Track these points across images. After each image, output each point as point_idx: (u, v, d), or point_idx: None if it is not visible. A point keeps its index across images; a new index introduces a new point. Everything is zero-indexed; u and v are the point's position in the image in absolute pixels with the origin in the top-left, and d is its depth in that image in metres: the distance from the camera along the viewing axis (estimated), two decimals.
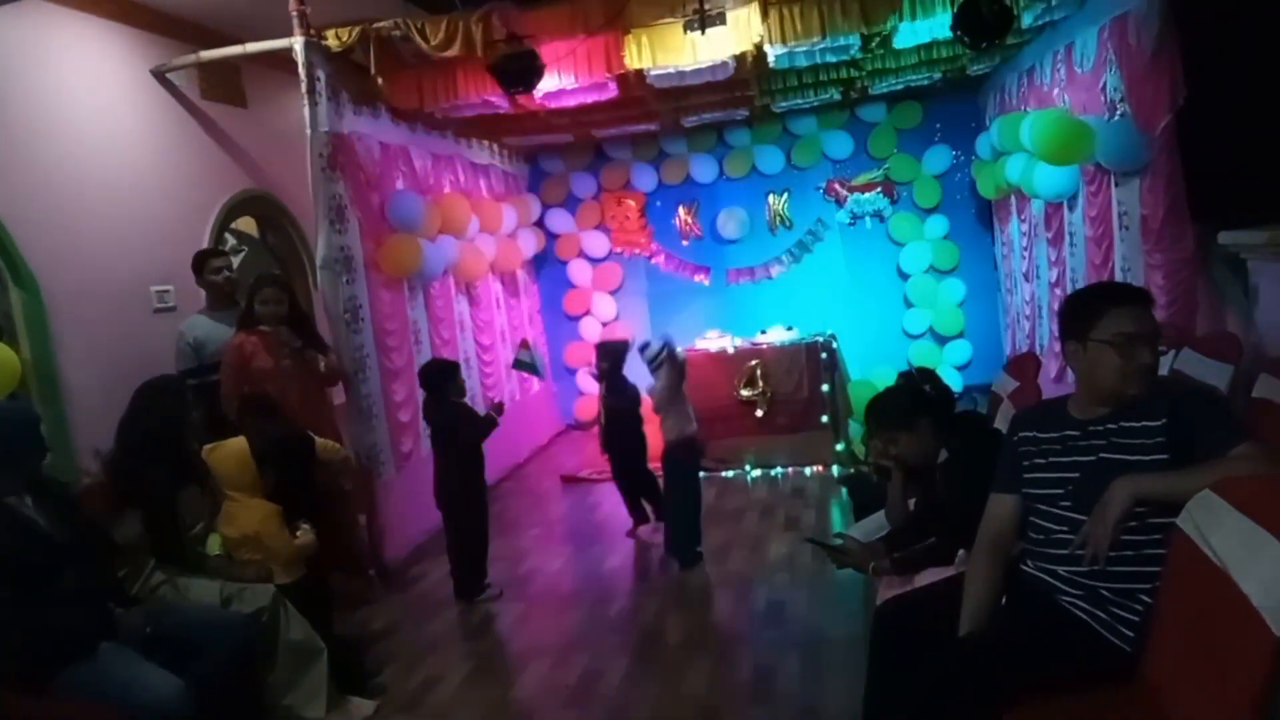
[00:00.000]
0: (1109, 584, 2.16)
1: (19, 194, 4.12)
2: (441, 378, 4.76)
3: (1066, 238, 6.09)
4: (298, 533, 3.70)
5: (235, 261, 6.20)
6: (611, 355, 5.53)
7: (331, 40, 5.10)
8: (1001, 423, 3.58)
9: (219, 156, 5.51)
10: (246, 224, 6.37)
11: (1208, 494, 1.94)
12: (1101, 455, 2.23)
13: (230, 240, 6.19)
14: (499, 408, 4.95)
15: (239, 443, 3.76)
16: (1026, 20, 5.17)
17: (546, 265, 9.21)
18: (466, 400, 4.96)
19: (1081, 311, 2.32)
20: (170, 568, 3.40)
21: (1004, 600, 2.40)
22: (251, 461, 3.71)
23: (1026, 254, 7.09)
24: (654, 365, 5.09)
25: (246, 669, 3.27)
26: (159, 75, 5.12)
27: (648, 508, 5.70)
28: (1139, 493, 2.08)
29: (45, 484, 3.06)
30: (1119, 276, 5.18)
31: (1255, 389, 3.27)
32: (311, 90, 5.05)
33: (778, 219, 8.83)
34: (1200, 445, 2.09)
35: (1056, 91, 5.94)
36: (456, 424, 4.70)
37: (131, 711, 2.68)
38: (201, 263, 4.82)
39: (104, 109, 4.71)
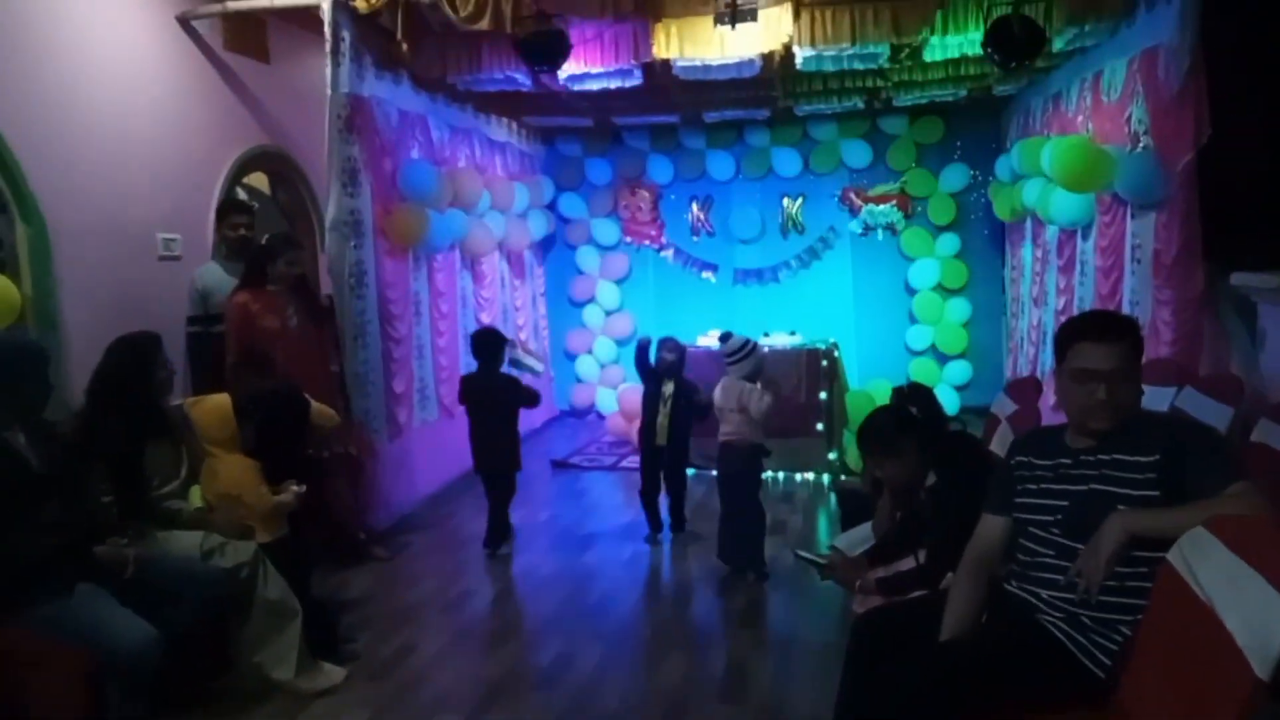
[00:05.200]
0: (1091, 612, 2.15)
1: (32, 130, 4.09)
2: (496, 346, 5.10)
3: (1078, 266, 6.07)
4: (280, 491, 3.68)
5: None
6: (679, 350, 5.25)
7: (360, 2, 5.06)
8: (998, 444, 3.57)
9: (236, 109, 5.48)
10: (258, 180, 6.34)
11: (1199, 530, 1.93)
12: (1092, 486, 2.23)
13: (241, 195, 6.17)
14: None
15: (222, 398, 3.74)
16: (1058, 45, 5.16)
17: (555, 249, 9.19)
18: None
19: (1059, 340, 2.36)
20: (135, 524, 3.30)
21: (985, 617, 2.39)
22: (231, 417, 3.69)
23: (1038, 279, 7.08)
24: (735, 359, 4.81)
25: (219, 623, 3.26)
26: (183, 21, 5.08)
27: (662, 514, 5.37)
28: (1133, 529, 2.07)
29: (39, 421, 3.05)
30: (1126, 310, 5.16)
31: (1254, 433, 3.26)
32: (335, 50, 5.02)
33: (790, 223, 8.81)
34: (1195, 483, 2.08)
35: (1081, 119, 5.92)
36: (506, 393, 5.08)
37: (102, 655, 2.67)
38: (225, 214, 4.87)
39: (124, 50, 4.68)
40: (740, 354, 4.82)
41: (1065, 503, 2.27)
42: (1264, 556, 1.74)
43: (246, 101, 5.55)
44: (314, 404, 4.16)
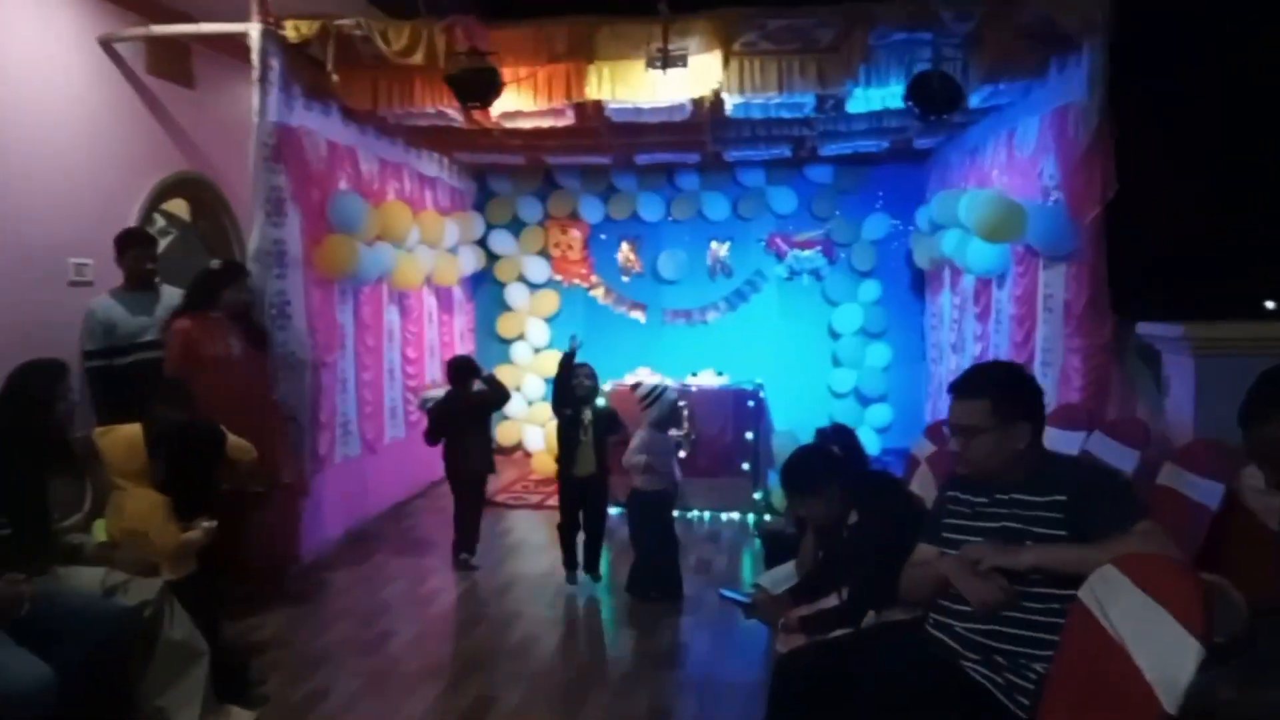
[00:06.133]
0: (1003, 645, 2.21)
1: None
2: (473, 370, 5.66)
3: (993, 314, 6.28)
4: (191, 528, 3.54)
5: (163, 244, 6.02)
6: (595, 377, 5.17)
7: (290, 31, 5.02)
8: (918, 485, 3.64)
9: (158, 134, 5.35)
10: (178, 206, 6.18)
11: (1110, 568, 1.99)
12: (1005, 524, 2.32)
13: (160, 221, 6.00)
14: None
15: (134, 429, 3.60)
16: (974, 101, 5.36)
17: (484, 285, 9.14)
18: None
19: None
20: (34, 560, 3.10)
21: (908, 664, 2.42)
22: (141, 449, 3.55)
23: (956, 326, 7.29)
24: (645, 405, 5.00)
25: (120, 664, 3.11)
26: (105, 44, 4.96)
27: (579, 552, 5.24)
28: (1046, 562, 2.14)
29: None
30: (1039, 357, 5.35)
31: (1160, 476, 3.37)
32: (263, 78, 4.96)
33: (718, 266, 8.93)
34: (1100, 523, 2.17)
35: (996, 172, 6.15)
36: (480, 403, 5.60)
37: None
38: (128, 246, 4.65)
39: (42, 70, 4.54)
40: (648, 400, 4.96)
41: (980, 540, 2.35)
42: (1172, 595, 1.79)
43: (168, 127, 5.42)
44: (231, 437, 4.03)
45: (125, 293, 4.65)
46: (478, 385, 5.61)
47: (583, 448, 5.07)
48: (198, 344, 4.45)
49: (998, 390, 2.40)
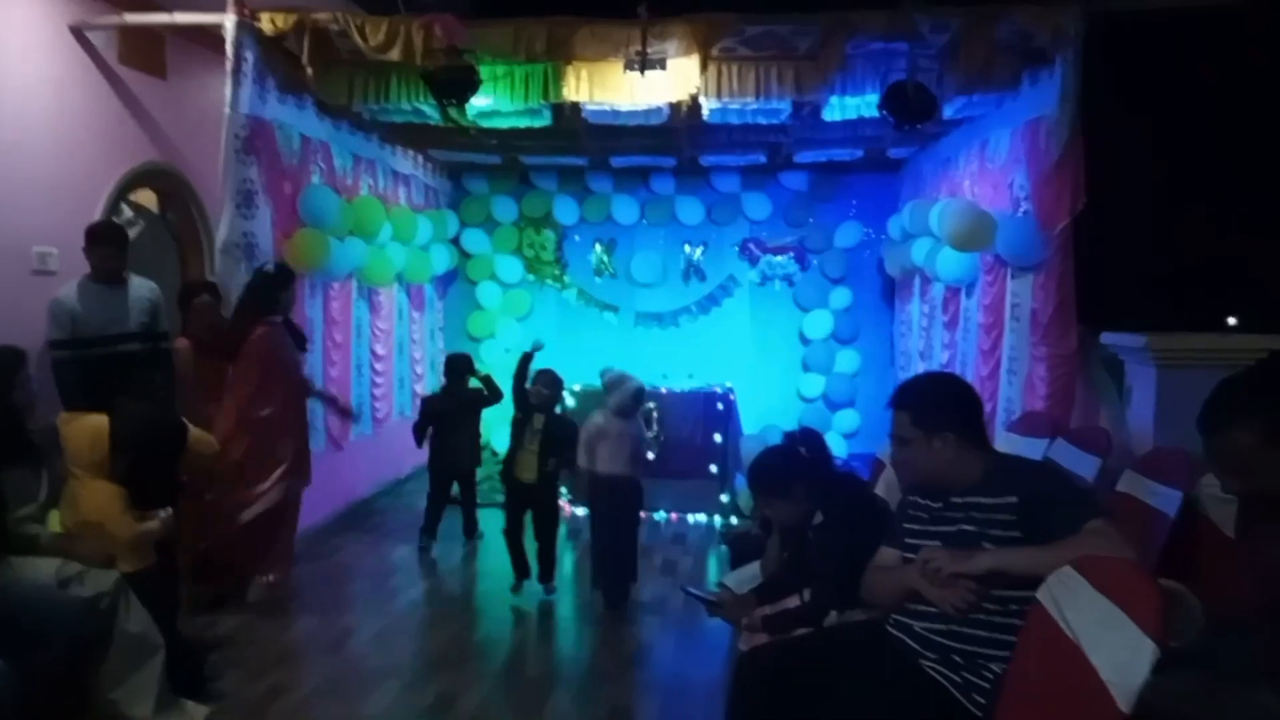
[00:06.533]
0: (961, 645, 2.24)
1: None
2: (469, 366, 6.01)
3: (961, 323, 6.34)
4: (148, 519, 3.49)
5: (131, 234, 5.93)
6: (556, 385, 5.07)
7: (265, 24, 4.98)
8: (883, 488, 3.66)
9: (128, 124, 5.27)
10: (147, 198, 6.10)
11: (1068, 571, 2.02)
12: (961, 527, 2.36)
13: (126, 211, 5.92)
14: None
15: (99, 419, 3.55)
16: (947, 112, 5.41)
17: (456, 283, 9.10)
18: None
19: None
20: None
21: (868, 663, 2.44)
22: (104, 441, 3.50)
23: (925, 333, 7.35)
24: (608, 390, 4.98)
25: (77, 655, 3.05)
26: (77, 32, 4.88)
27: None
28: (1001, 565, 2.18)
29: None
30: (1005, 365, 5.42)
31: (1120, 483, 3.43)
32: (237, 70, 4.92)
33: (692, 270, 8.95)
34: (1053, 524, 2.21)
35: (968, 183, 6.22)
36: (478, 401, 5.94)
37: None
38: (95, 241, 4.54)
39: (10, 56, 4.46)
40: (612, 385, 4.93)
41: (937, 543, 2.38)
42: (1129, 597, 1.82)
43: (139, 116, 5.35)
44: (194, 430, 3.99)
45: (92, 284, 4.57)
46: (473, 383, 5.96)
47: (524, 454, 4.95)
48: (278, 349, 4.70)
49: (918, 402, 2.52)
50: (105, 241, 4.58)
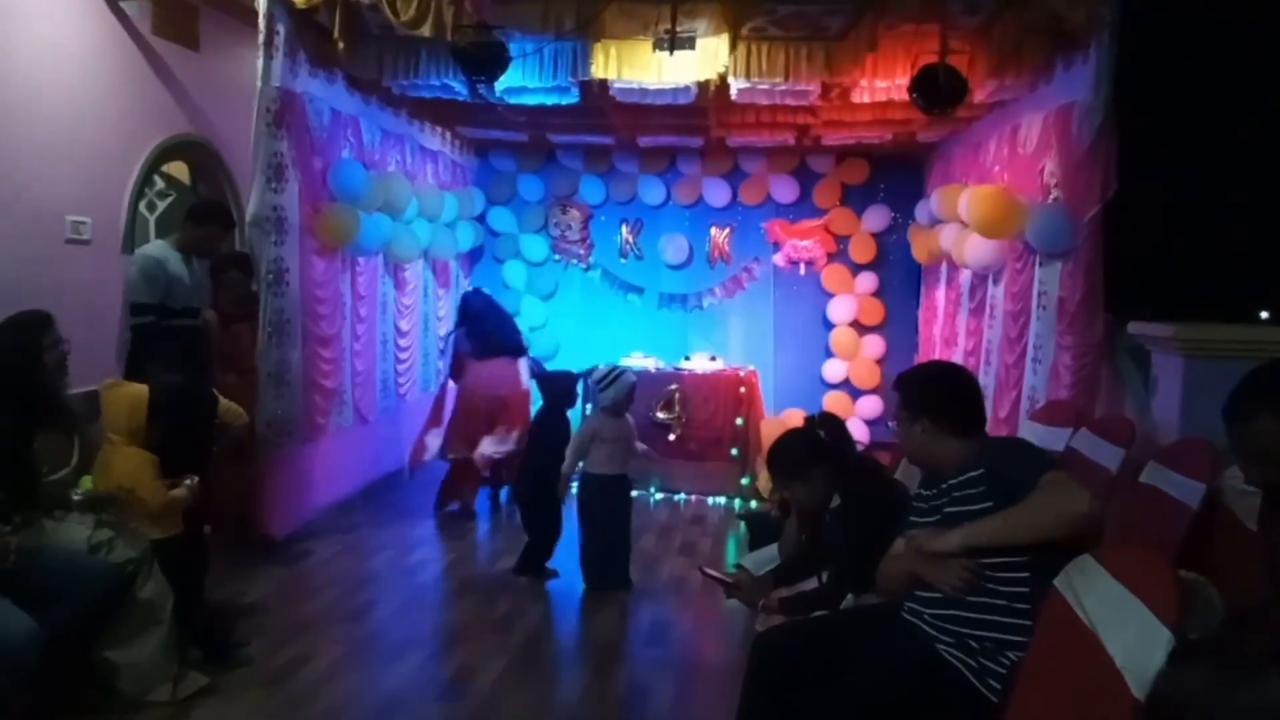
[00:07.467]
0: (976, 631, 2.26)
1: None
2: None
3: (988, 310, 6.29)
4: (177, 486, 3.55)
5: (161, 206, 6.02)
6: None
7: None
8: (902, 474, 3.66)
9: (161, 96, 5.34)
10: (179, 169, 6.17)
11: (1086, 558, 2.02)
12: (945, 511, 2.43)
13: (159, 183, 5.99)
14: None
15: (140, 389, 3.60)
16: (979, 96, 5.35)
17: (482, 262, 9.13)
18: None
19: None
20: (22, 512, 3.11)
21: (883, 644, 2.45)
22: (143, 410, 3.54)
23: (950, 320, 7.30)
24: (602, 387, 4.92)
25: (104, 620, 3.12)
26: (112, 3, 4.94)
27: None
28: (971, 538, 2.26)
29: None
30: (1030, 353, 5.37)
31: (1143, 475, 3.41)
32: (269, 43, 4.93)
33: (717, 252, 8.92)
34: (1015, 485, 2.26)
35: (998, 169, 6.15)
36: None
37: None
38: (204, 220, 4.71)
39: (47, 29, 4.53)
40: (605, 383, 4.89)
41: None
42: (1146, 585, 1.82)
43: (172, 88, 5.41)
44: (223, 401, 4.06)
45: (175, 253, 4.62)
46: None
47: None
48: None
49: (904, 388, 2.63)
50: (216, 220, 4.77)
